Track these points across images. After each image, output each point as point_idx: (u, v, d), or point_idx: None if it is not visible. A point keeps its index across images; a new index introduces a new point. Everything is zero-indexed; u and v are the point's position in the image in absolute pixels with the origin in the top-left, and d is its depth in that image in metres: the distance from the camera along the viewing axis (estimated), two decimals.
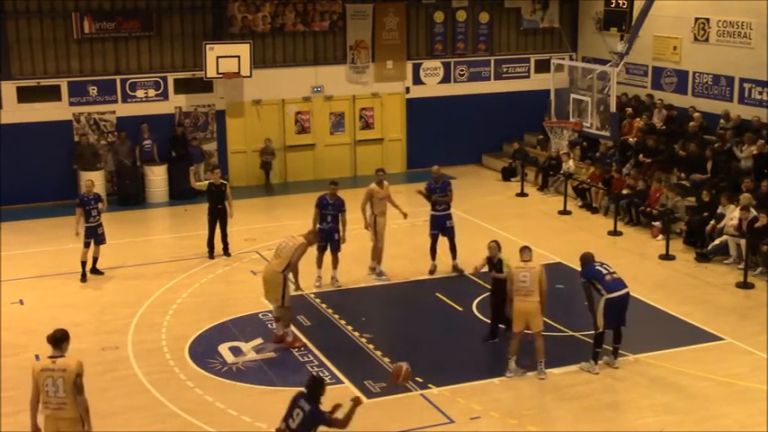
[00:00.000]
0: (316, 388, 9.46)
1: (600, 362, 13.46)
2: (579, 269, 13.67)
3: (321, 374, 9.69)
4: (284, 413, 9.48)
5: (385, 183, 17.32)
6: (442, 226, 17.35)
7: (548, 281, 13.29)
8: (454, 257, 17.50)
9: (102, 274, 17.57)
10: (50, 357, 9.63)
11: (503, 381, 13.17)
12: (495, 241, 14.68)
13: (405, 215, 17.46)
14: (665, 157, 21.49)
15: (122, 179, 23.04)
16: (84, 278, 17.31)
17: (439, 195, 17.35)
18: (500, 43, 26.64)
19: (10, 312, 15.80)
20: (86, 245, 17.27)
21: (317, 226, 16.53)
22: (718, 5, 22.32)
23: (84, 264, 17.34)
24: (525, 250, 13.41)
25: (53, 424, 9.68)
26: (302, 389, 9.58)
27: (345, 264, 17.15)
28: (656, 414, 12.24)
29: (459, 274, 17.39)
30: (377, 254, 17.39)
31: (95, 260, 17.54)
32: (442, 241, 17.47)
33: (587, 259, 13.57)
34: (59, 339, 9.68)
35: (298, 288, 14.59)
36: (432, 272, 17.45)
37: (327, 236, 16.61)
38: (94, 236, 17.26)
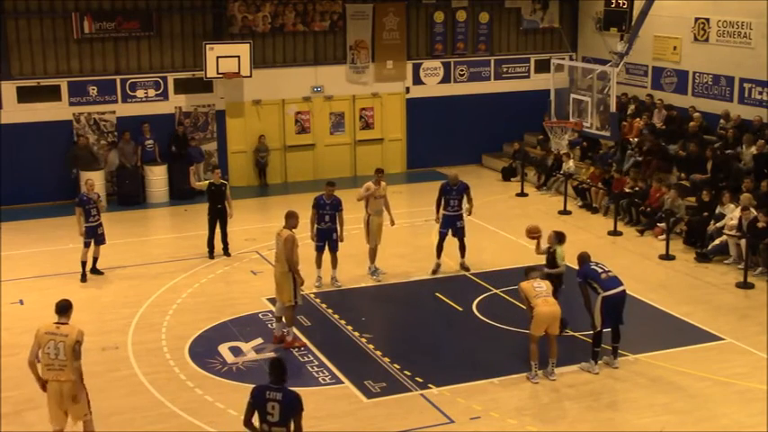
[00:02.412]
0: (280, 371, 9.13)
1: (600, 362, 13.46)
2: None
3: (281, 360, 9.39)
4: (249, 415, 9.09)
5: (383, 183, 17.28)
6: (452, 226, 17.35)
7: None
8: (462, 256, 17.55)
9: (102, 274, 17.57)
10: (55, 323, 10.42)
11: (503, 381, 13.16)
12: (556, 232, 14.75)
13: (392, 223, 17.44)
14: (661, 155, 21.52)
15: (122, 179, 23.04)
16: (84, 278, 17.31)
17: (453, 197, 17.22)
18: (500, 43, 26.64)
19: (10, 312, 15.80)
20: (86, 245, 17.27)
21: (315, 227, 16.54)
22: (718, 5, 22.32)
23: (84, 264, 17.34)
24: (532, 271, 13.46)
25: (56, 387, 10.42)
26: (254, 385, 9.26)
27: (345, 264, 17.15)
28: (656, 414, 12.24)
29: (466, 271, 17.45)
30: (371, 254, 17.38)
31: (95, 260, 17.53)
32: (450, 241, 17.44)
33: (584, 259, 13.60)
34: (64, 308, 10.52)
35: (301, 281, 14.25)
36: (435, 271, 17.44)
37: (326, 235, 16.59)
38: (94, 236, 17.26)
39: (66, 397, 10.46)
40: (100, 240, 17.40)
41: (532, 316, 12.95)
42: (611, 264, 13.91)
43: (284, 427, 9.06)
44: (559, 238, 14.68)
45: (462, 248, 17.51)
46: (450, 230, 17.36)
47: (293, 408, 9.05)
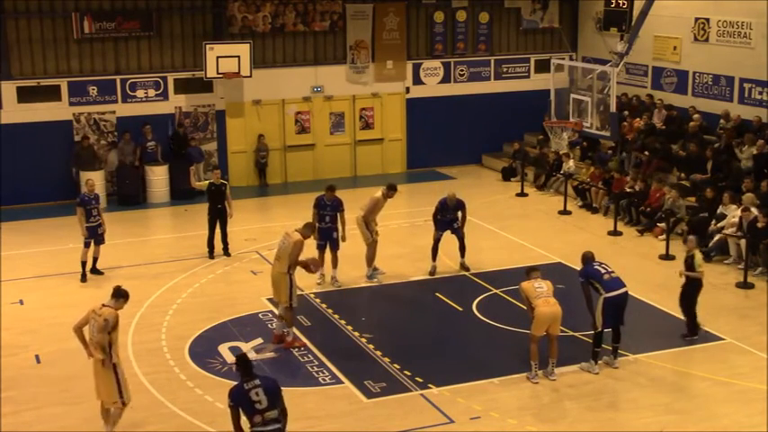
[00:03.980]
0: (248, 363, 9.46)
1: (600, 362, 13.46)
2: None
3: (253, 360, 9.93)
4: (236, 419, 9.31)
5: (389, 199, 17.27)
6: (449, 228, 17.40)
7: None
8: (462, 256, 17.57)
9: (102, 274, 17.56)
10: (102, 304, 11.27)
11: (503, 381, 13.16)
12: (696, 236, 14.95)
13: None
14: (662, 154, 21.52)
15: (122, 179, 23.04)
16: (84, 278, 17.31)
17: (450, 212, 17.33)
18: (500, 43, 26.64)
19: (10, 312, 15.80)
20: (86, 245, 17.27)
21: (316, 225, 16.60)
22: (718, 5, 22.32)
23: (84, 264, 17.34)
24: (533, 271, 13.43)
25: (94, 364, 11.33)
26: (232, 385, 9.60)
27: (345, 264, 17.15)
28: (656, 414, 12.24)
29: (466, 271, 17.48)
30: (369, 256, 17.25)
31: (95, 260, 17.53)
32: (445, 243, 17.44)
33: (587, 259, 13.60)
34: (116, 294, 11.35)
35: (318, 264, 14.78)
36: (432, 273, 17.46)
37: (326, 235, 16.70)
38: (95, 236, 17.27)
39: (95, 375, 11.27)
40: (100, 240, 17.40)
41: (533, 316, 12.95)
42: (612, 263, 13.90)
43: (275, 410, 9.28)
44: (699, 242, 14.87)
45: (462, 248, 17.52)
46: (447, 231, 17.40)
47: (276, 389, 9.35)
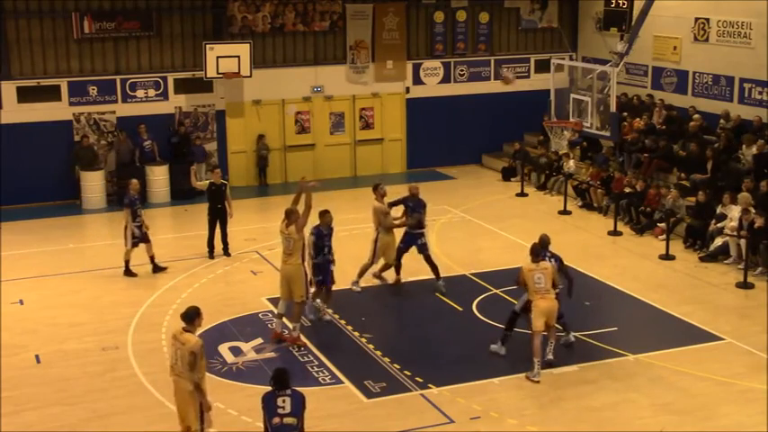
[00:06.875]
0: (286, 377, 9.58)
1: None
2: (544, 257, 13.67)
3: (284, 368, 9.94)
4: (265, 416, 9.48)
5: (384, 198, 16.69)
6: (413, 244, 16.62)
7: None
8: (438, 277, 16.55)
9: (165, 269, 17.73)
10: (183, 328, 10.55)
11: (503, 381, 13.16)
12: None
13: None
14: (662, 153, 21.52)
15: (123, 179, 23.00)
16: (131, 273, 17.45)
17: (418, 210, 16.60)
18: (500, 43, 26.64)
19: (10, 312, 15.80)
20: (134, 244, 17.41)
21: (312, 261, 15.00)
22: (718, 5, 22.32)
23: (127, 262, 17.49)
24: (535, 252, 13.43)
25: (176, 391, 10.78)
26: (267, 389, 9.69)
27: (344, 264, 17.07)
28: (656, 414, 12.24)
29: (442, 295, 16.44)
30: (363, 270, 16.71)
31: (152, 258, 17.67)
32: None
33: (537, 249, 13.64)
34: (188, 316, 10.57)
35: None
36: (396, 283, 16.93)
37: (323, 269, 15.08)
38: (141, 235, 17.47)
39: (179, 403, 10.79)
40: (146, 239, 17.55)
41: (530, 308, 13.18)
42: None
43: (295, 418, 9.39)
44: None
45: (434, 269, 16.53)
46: (412, 247, 16.67)
47: (302, 401, 9.48)
